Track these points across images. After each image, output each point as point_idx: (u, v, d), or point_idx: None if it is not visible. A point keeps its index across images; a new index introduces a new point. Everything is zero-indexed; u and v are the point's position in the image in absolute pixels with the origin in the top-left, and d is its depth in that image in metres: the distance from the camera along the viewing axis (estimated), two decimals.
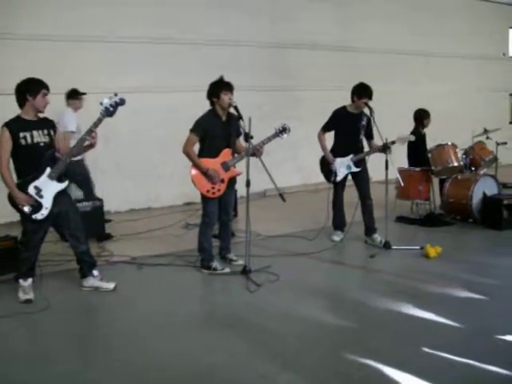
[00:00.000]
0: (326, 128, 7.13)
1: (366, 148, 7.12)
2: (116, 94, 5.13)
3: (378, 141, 6.86)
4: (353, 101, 6.95)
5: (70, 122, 7.28)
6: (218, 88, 5.84)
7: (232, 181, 6.11)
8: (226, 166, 5.95)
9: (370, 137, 7.11)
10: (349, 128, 6.98)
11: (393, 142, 6.74)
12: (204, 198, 6.01)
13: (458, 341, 4.33)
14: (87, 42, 8.34)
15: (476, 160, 8.35)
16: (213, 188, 5.92)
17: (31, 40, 7.87)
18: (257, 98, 9.60)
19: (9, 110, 5.17)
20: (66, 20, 8.19)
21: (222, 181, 5.94)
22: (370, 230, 7.13)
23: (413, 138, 7.11)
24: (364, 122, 6.97)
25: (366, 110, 6.93)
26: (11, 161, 5.12)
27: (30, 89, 5.06)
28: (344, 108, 7.07)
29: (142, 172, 9.11)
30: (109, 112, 5.09)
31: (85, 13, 8.31)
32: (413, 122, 8.33)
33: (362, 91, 6.86)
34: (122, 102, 5.12)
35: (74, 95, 7.56)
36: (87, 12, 8.33)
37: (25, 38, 7.83)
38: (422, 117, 8.26)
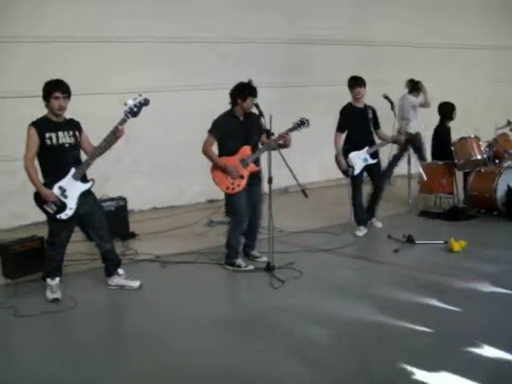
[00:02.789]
0: (340, 129, 7.22)
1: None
2: (140, 95, 5.18)
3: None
4: (352, 95, 7.14)
5: None
6: (246, 92, 5.90)
7: (257, 178, 6.13)
8: (244, 163, 5.99)
9: (376, 127, 7.23)
10: (358, 122, 7.10)
11: (416, 134, 6.78)
12: (231, 196, 6.06)
13: (482, 334, 4.30)
14: (103, 43, 8.37)
15: (500, 152, 8.27)
16: (232, 184, 5.97)
17: (42, 42, 7.90)
18: (276, 94, 9.56)
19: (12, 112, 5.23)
20: (80, 19, 8.19)
21: (242, 177, 5.98)
22: (372, 212, 7.38)
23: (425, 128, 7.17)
24: (370, 115, 7.10)
25: (374, 103, 7.11)
26: (37, 161, 5.19)
27: (44, 93, 5.15)
28: (349, 104, 7.21)
29: (165, 170, 9.15)
30: (133, 112, 5.13)
31: (98, 11, 8.33)
32: (437, 115, 8.27)
33: (350, 82, 7.13)
34: (146, 102, 5.16)
35: None
36: (100, 11, 8.35)
37: (37, 40, 7.86)
38: (448, 110, 8.21)
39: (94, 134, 5.41)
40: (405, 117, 9.25)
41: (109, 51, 8.44)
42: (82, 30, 8.17)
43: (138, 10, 8.70)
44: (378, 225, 7.28)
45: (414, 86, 9.64)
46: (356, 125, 7.11)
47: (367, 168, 7.14)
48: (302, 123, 6.09)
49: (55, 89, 5.11)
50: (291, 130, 6.06)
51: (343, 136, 7.24)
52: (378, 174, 7.19)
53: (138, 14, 8.69)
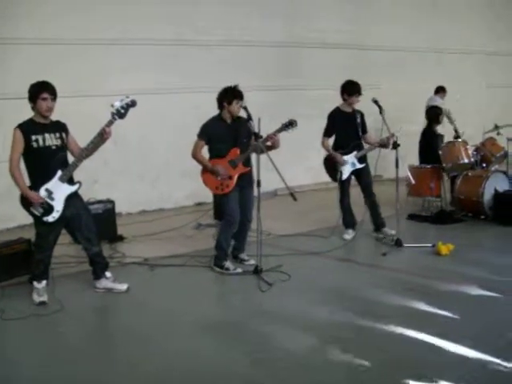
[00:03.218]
0: (327, 133, 7.22)
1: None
2: (127, 97, 5.17)
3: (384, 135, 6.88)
4: (344, 99, 7.09)
5: None
6: (232, 95, 5.92)
7: (248, 180, 6.13)
8: (233, 163, 6.00)
9: (364, 131, 7.22)
10: (346, 127, 7.09)
11: (392, 135, 6.77)
12: (221, 198, 6.07)
13: (470, 338, 4.33)
14: (99, 45, 8.36)
15: (487, 156, 8.32)
16: (221, 184, 5.98)
17: (35, 44, 7.88)
18: (266, 97, 9.58)
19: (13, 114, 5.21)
20: (77, 22, 8.19)
21: (230, 177, 5.98)
22: (378, 225, 7.19)
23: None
24: (359, 120, 7.10)
25: (366, 108, 7.05)
26: (23, 164, 5.16)
27: (30, 94, 5.11)
28: (338, 108, 7.20)
29: (153, 173, 9.13)
30: (120, 114, 5.12)
31: (95, 14, 8.32)
32: (424, 119, 8.31)
33: (350, 88, 7.02)
34: (133, 104, 5.15)
35: None
36: (97, 13, 8.33)
37: (33, 42, 7.84)
38: (435, 114, 8.26)
39: (82, 136, 5.38)
40: None
41: (103, 53, 8.43)
42: (78, 32, 8.16)
43: (135, 12, 8.69)
44: (391, 232, 7.04)
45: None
46: (344, 129, 7.10)
47: (355, 172, 7.15)
48: (289, 124, 6.10)
49: (42, 90, 5.08)
50: (279, 130, 6.07)
51: (331, 141, 7.24)
52: (365, 179, 7.18)
53: (134, 16, 8.68)
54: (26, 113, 5.21)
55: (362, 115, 7.18)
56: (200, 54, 9.36)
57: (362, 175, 7.18)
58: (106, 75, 8.40)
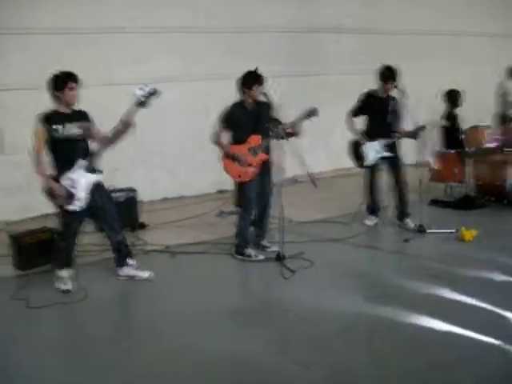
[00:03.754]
0: (353, 113, 7.07)
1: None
2: (146, 85, 5.14)
3: (409, 124, 6.77)
4: (379, 85, 6.92)
5: None
6: (252, 80, 5.88)
7: (267, 167, 6.11)
8: (253, 151, 5.98)
9: (398, 120, 7.03)
10: (377, 112, 6.94)
11: (423, 127, 6.66)
12: (241, 185, 6.07)
13: (495, 324, 4.29)
14: (110, 34, 8.34)
15: (510, 140, 8.19)
16: (242, 172, 5.98)
17: (48, 34, 7.88)
18: (284, 83, 9.51)
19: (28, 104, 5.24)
20: (85, 11, 8.16)
21: (250, 165, 5.96)
22: (402, 214, 7.07)
23: (442, 122, 7.03)
24: (392, 107, 6.91)
25: (395, 93, 6.86)
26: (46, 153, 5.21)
27: (56, 84, 5.13)
28: (372, 91, 7.03)
29: (174, 161, 9.14)
30: (142, 103, 5.10)
31: (103, 2, 8.30)
32: (443, 103, 8.20)
33: (385, 75, 6.83)
34: (154, 93, 5.11)
35: None
36: (105, 1, 8.32)
37: (45, 32, 7.84)
38: (454, 97, 8.13)
39: (102, 126, 5.40)
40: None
41: (116, 42, 8.41)
42: (88, 20, 8.14)
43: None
44: (411, 225, 6.91)
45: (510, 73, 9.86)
46: (373, 114, 6.96)
47: (387, 160, 7.01)
48: (311, 112, 6.06)
49: (70, 80, 5.12)
50: (300, 119, 6.03)
51: (358, 122, 7.13)
52: (394, 168, 7.03)
53: (144, 3, 8.65)
54: (40, 103, 5.24)
55: (397, 102, 6.89)
56: (216, 40, 9.32)
57: (391, 163, 7.03)
58: (119, 64, 8.38)
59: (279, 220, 5.85)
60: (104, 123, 5.34)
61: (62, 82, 5.11)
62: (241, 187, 6.15)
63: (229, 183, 6.30)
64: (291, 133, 5.97)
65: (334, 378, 3.73)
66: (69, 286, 5.32)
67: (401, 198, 7.05)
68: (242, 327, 4.53)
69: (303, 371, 3.81)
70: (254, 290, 5.58)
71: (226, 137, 6.03)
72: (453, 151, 7.97)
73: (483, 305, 4.66)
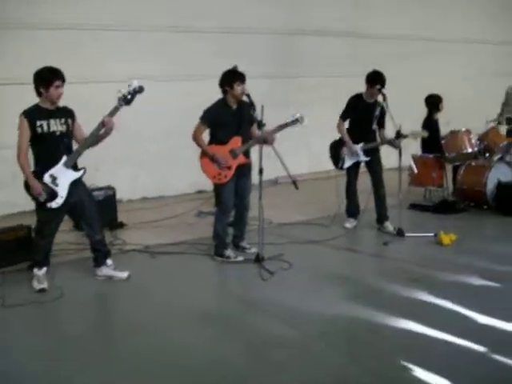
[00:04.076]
0: (344, 117, 7.05)
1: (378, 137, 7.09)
2: (133, 83, 5.10)
3: (390, 129, 6.79)
4: (366, 88, 6.92)
5: None
6: (232, 78, 5.83)
7: (246, 169, 6.09)
8: (234, 153, 5.93)
9: (381, 126, 7.07)
10: (362, 116, 6.95)
11: (404, 137, 6.69)
12: (218, 186, 6.03)
13: (472, 328, 4.32)
14: (95, 31, 8.29)
15: (490, 146, 8.27)
16: (219, 174, 5.92)
17: (36, 29, 7.81)
18: (267, 85, 9.51)
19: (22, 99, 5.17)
20: (77, 8, 8.12)
21: (229, 167, 5.93)
22: (381, 217, 7.09)
23: (426, 134, 7.09)
24: (377, 112, 6.93)
25: (380, 98, 6.89)
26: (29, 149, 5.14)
27: (42, 81, 5.05)
28: (360, 95, 7.02)
29: (154, 160, 9.08)
30: (126, 100, 5.08)
31: (89, 1, 8.25)
32: (423, 108, 8.26)
33: (372, 79, 6.83)
34: (140, 90, 5.10)
35: None
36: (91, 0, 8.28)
37: (36, 27, 7.78)
38: (435, 102, 8.18)
39: (88, 123, 5.34)
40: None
41: (102, 39, 8.36)
42: (76, 18, 8.09)
43: None
44: (390, 228, 6.92)
45: None
46: (358, 118, 6.95)
47: (366, 163, 7.05)
48: (296, 120, 6.00)
49: (56, 78, 5.04)
50: (284, 126, 6.00)
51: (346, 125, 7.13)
52: (374, 171, 7.06)
53: (132, 2, 8.60)
54: (30, 99, 5.17)
55: (383, 108, 6.90)
56: (199, 41, 9.28)
57: (372, 166, 7.06)
58: (106, 62, 8.34)
59: (259, 221, 5.84)
60: (90, 121, 5.28)
61: (48, 79, 5.03)
62: (217, 188, 6.10)
63: (208, 184, 6.27)
64: (265, 140, 5.84)
65: (312, 381, 3.71)
66: (45, 284, 5.25)
67: (380, 201, 7.07)
68: (220, 328, 4.51)
69: (281, 373, 3.80)
70: (233, 291, 5.56)
71: (206, 135, 5.99)
72: (431, 156, 8.02)
73: (461, 309, 4.69)
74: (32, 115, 5.07)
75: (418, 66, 11.71)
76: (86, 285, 5.44)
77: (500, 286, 5.21)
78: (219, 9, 9.44)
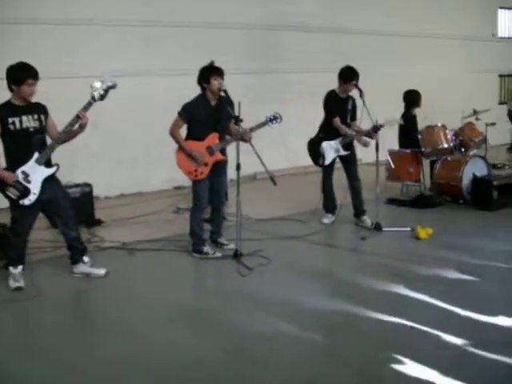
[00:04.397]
0: (335, 113, 6.97)
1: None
2: (107, 78, 5.08)
3: (367, 123, 6.83)
4: (340, 84, 6.96)
5: None
6: (208, 73, 5.81)
7: (222, 165, 6.08)
8: (210, 150, 5.91)
9: (353, 119, 7.10)
10: (338, 111, 6.97)
11: (381, 126, 6.72)
12: (193, 182, 6.00)
13: (449, 321, 4.36)
14: (74, 25, 8.21)
15: (466, 141, 8.35)
16: (195, 170, 5.90)
17: (13, 24, 7.72)
18: (245, 81, 9.51)
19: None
20: (50, 4, 8.05)
21: (206, 164, 5.90)
22: (358, 211, 7.14)
23: (400, 121, 7.15)
24: (350, 106, 7.00)
25: (352, 93, 6.95)
26: (1, 145, 5.08)
27: (13, 78, 4.96)
28: (334, 91, 7.06)
29: (132, 157, 9.04)
30: (99, 96, 5.04)
31: None
32: (402, 103, 8.31)
33: (348, 75, 6.86)
34: (113, 86, 5.08)
35: None
36: None
37: (13, 21, 7.69)
38: (415, 98, 8.23)
39: (62, 119, 5.29)
40: None
41: (79, 34, 8.30)
42: (54, 11, 8.02)
43: None
44: (368, 222, 6.97)
45: None
46: (335, 114, 6.97)
47: (341, 158, 7.09)
48: (274, 118, 6.02)
49: (29, 76, 4.95)
50: (262, 125, 6.00)
51: (316, 123, 7.14)
52: (350, 166, 7.10)
53: None
54: (3, 94, 5.10)
55: (354, 101, 7.03)
56: (177, 36, 9.25)
57: (347, 160, 7.10)
58: (82, 57, 8.28)
59: (237, 217, 5.83)
60: (63, 116, 5.23)
61: (20, 77, 4.94)
62: (193, 184, 6.06)
63: (186, 180, 6.24)
64: (243, 137, 5.84)
65: (292, 377, 3.72)
66: (21, 283, 5.19)
67: (356, 195, 7.12)
68: (199, 325, 4.50)
69: (260, 369, 3.80)
70: (211, 287, 5.56)
71: (182, 130, 5.96)
72: (408, 151, 8.07)
73: (438, 302, 4.72)
74: (3, 112, 5.00)
75: (397, 61, 11.79)
76: (62, 282, 5.39)
77: (476, 279, 5.27)
78: (199, 3, 9.40)
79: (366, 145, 6.97)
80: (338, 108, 6.96)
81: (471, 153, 8.26)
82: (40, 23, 7.92)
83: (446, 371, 3.64)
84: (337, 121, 6.97)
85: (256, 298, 4.95)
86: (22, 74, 4.96)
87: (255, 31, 10.20)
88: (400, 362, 3.78)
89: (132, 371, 3.82)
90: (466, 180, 7.74)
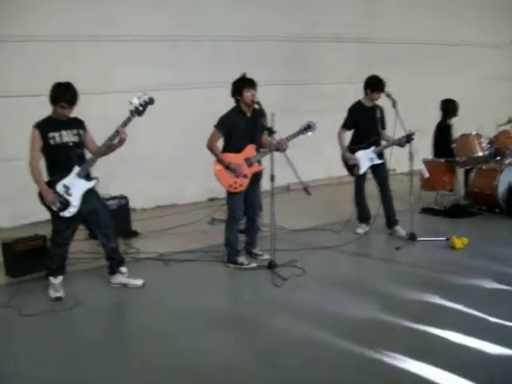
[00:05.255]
0: (346, 126, 7.14)
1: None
2: (145, 93, 5.23)
3: (401, 133, 6.82)
4: (366, 94, 7.01)
5: None
6: (240, 85, 5.88)
7: (257, 176, 6.14)
8: (249, 162, 5.98)
9: (383, 127, 7.11)
10: (366, 121, 7.01)
11: (411, 134, 6.70)
12: (229, 193, 6.06)
13: (486, 332, 4.32)
14: (105, 42, 8.35)
15: (501, 149, 8.25)
16: (235, 183, 5.96)
17: (45, 41, 7.88)
18: (278, 92, 9.57)
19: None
20: (78, 18, 8.14)
21: (245, 176, 5.97)
22: (391, 222, 7.12)
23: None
24: (379, 115, 7.01)
25: (379, 102, 7.04)
26: (42, 160, 5.23)
27: (51, 95, 5.14)
28: (359, 102, 7.10)
29: (167, 169, 9.14)
30: (138, 111, 5.20)
31: (95, 10, 8.32)
32: (438, 112, 8.27)
33: (374, 84, 6.91)
34: (151, 101, 5.24)
35: None
36: (98, 9, 8.33)
37: (39, 39, 7.84)
38: (453, 108, 8.18)
39: (99, 134, 5.42)
40: None
41: (111, 50, 8.42)
42: (83, 28, 8.15)
43: (140, 7, 8.68)
44: (401, 233, 6.96)
45: None
46: (364, 124, 7.02)
47: (372, 167, 7.10)
48: (308, 127, 6.09)
49: (64, 99, 5.11)
50: (297, 134, 6.07)
51: (348, 134, 7.21)
52: (381, 175, 7.12)
53: (140, 11, 8.66)
54: (42, 111, 5.25)
55: (382, 110, 7.07)
56: (209, 49, 9.35)
57: (378, 170, 7.11)
58: (118, 72, 8.42)
59: (271, 228, 5.88)
60: (100, 131, 5.37)
61: (56, 98, 5.11)
62: (228, 196, 6.13)
63: (220, 191, 6.31)
64: (278, 148, 5.92)
65: None
66: (61, 293, 5.32)
67: (387, 204, 7.11)
68: (235, 334, 4.55)
69: (294, 379, 3.83)
70: (246, 298, 5.60)
71: (221, 143, 6.04)
72: (442, 160, 8.03)
73: (474, 312, 4.69)
74: (44, 127, 5.17)
75: (429, 70, 11.72)
76: (101, 293, 5.50)
77: None
78: (231, 16, 9.49)
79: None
80: (365, 118, 7.00)
81: (507, 161, 8.17)
82: (72, 40, 8.08)
83: (479, 380, 3.62)
84: (341, 132, 7.10)
85: (290, 308, 4.98)
86: (58, 95, 5.13)
87: (287, 43, 10.25)
88: (433, 372, 3.77)
89: (166, 380, 3.88)
90: (501, 188, 7.66)
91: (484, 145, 7.97)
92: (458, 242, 6.39)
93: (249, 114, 5.97)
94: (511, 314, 4.59)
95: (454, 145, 7.97)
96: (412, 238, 6.71)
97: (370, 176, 7.21)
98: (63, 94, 5.13)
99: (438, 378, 3.72)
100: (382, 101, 7.00)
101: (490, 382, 3.66)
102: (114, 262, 5.59)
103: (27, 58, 7.78)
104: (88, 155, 5.38)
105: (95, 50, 8.29)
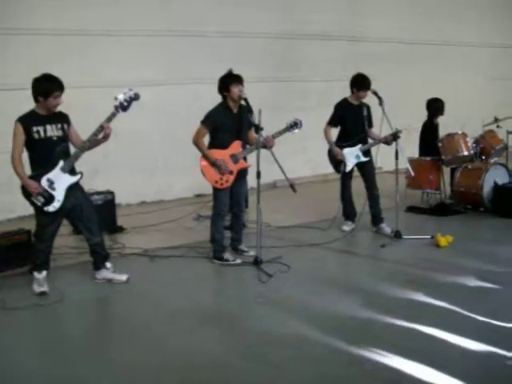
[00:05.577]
0: (331, 123, 7.16)
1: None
2: (130, 89, 5.19)
3: (387, 131, 6.85)
4: (352, 92, 7.02)
5: None
6: (228, 81, 5.87)
7: (243, 172, 6.13)
8: (235, 158, 5.98)
9: (370, 125, 7.14)
10: (353, 119, 7.03)
11: (398, 132, 6.74)
12: (215, 190, 6.05)
13: (469, 329, 4.35)
14: (93, 36, 8.33)
15: (486, 149, 8.30)
16: (221, 179, 5.95)
17: (36, 35, 7.85)
18: (265, 89, 9.58)
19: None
20: (72, 14, 8.16)
21: (231, 172, 5.96)
22: (376, 219, 7.15)
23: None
24: (365, 113, 7.03)
25: (365, 100, 7.06)
26: (27, 154, 5.19)
27: (41, 90, 5.07)
28: (345, 100, 7.12)
29: (153, 164, 9.13)
30: (123, 107, 5.17)
31: (83, 5, 8.28)
32: (425, 111, 8.30)
33: (360, 83, 6.93)
34: (136, 97, 5.20)
35: None
36: (85, 4, 8.30)
37: (30, 32, 7.81)
38: (438, 106, 8.22)
39: (84, 128, 5.39)
40: None
41: (98, 45, 8.40)
42: (77, 23, 8.14)
43: (127, 3, 8.65)
44: (387, 230, 6.99)
45: None
46: (351, 121, 7.04)
47: (359, 164, 7.11)
48: (295, 124, 6.10)
49: (56, 88, 5.07)
50: (283, 131, 6.08)
51: (335, 132, 7.21)
52: (368, 173, 7.14)
53: (131, 6, 8.65)
54: (28, 104, 5.21)
55: (369, 108, 7.10)
56: (196, 45, 9.33)
57: (365, 168, 7.14)
58: (105, 67, 8.38)
59: (257, 224, 5.88)
60: (85, 126, 5.33)
61: (47, 89, 5.05)
62: (214, 192, 6.11)
63: (207, 187, 6.30)
64: (264, 145, 5.92)
65: (313, 382, 3.74)
66: (45, 287, 5.28)
67: (374, 201, 7.14)
68: (220, 330, 4.54)
69: (281, 375, 3.83)
70: (231, 293, 5.59)
71: (207, 139, 6.03)
72: (428, 158, 8.07)
73: (458, 309, 4.72)
74: (27, 121, 5.11)
75: (416, 68, 11.78)
76: (85, 288, 5.47)
77: (496, 287, 5.24)
78: (217, 13, 9.49)
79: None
80: (352, 116, 7.02)
81: (492, 160, 8.22)
82: (61, 34, 8.04)
83: (463, 377, 3.64)
84: (327, 129, 7.12)
85: (276, 304, 4.99)
86: (49, 87, 5.07)
87: (274, 40, 10.26)
88: (418, 368, 3.79)
89: (153, 376, 3.87)
90: (486, 188, 7.71)
91: (470, 144, 8.01)
92: (443, 240, 6.43)
93: (235, 111, 5.96)
94: (494, 312, 4.62)
95: (440, 144, 8.01)
96: (397, 235, 6.74)
97: (356, 174, 7.23)
98: (52, 84, 5.08)
99: (422, 374, 3.73)
100: (369, 99, 7.02)
101: (474, 378, 3.67)
102: (99, 257, 5.57)
103: (12, 51, 7.72)
104: (72, 149, 5.34)
105: (82, 45, 8.27)
